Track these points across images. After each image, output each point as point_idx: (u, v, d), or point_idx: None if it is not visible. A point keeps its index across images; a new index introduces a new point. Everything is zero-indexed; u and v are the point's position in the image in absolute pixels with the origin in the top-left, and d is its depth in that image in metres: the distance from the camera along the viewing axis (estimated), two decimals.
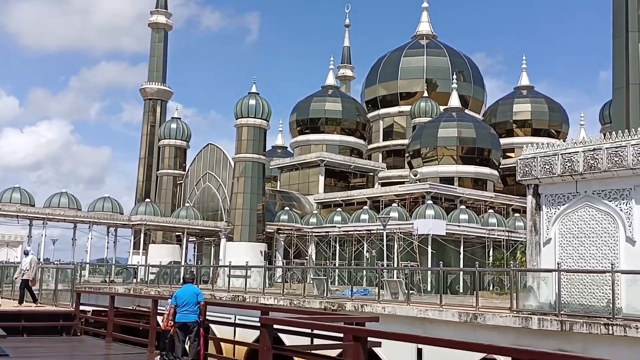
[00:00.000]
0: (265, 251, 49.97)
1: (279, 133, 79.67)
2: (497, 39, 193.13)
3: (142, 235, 50.77)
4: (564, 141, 20.47)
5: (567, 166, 18.77)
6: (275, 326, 9.57)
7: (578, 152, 18.49)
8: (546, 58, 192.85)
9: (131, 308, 24.33)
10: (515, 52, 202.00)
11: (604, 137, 18.78)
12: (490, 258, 47.83)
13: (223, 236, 51.25)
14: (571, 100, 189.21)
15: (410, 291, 25.55)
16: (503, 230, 48.51)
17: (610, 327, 15.99)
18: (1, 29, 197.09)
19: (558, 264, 18.44)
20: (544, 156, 19.34)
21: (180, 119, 63.07)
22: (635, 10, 30.13)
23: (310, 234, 53.51)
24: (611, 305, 16.42)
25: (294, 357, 13.48)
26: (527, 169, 19.87)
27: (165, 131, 61.68)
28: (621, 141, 17.75)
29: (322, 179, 60.85)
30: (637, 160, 17.30)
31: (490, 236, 48.37)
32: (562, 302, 17.62)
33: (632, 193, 17.62)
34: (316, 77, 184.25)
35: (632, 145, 17.40)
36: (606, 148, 17.88)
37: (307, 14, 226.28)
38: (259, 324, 9.00)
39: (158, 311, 14.36)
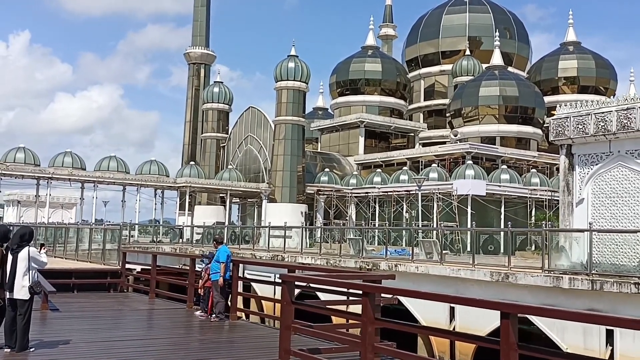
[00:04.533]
0: (305, 212, 50.84)
1: (320, 95, 79.76)
2: None
3: (187, 197, 52.26)
4: (612, 98, 20.19)
5: (600, 126, 18.63)
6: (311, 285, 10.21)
7: (611, 111, 18.31)
8: (600, 10, 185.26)
9: (178, 267, 25.48)
10: (569, 3, 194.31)
11: None
12: (533, 218, 47.49)
13: (264, 197, 52.29)
14: (622, 54, 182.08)
15: (444, 251, 25.92)
16: (546, 190, 47.96)
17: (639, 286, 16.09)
18: None
19: (590, 223, 18.49)
20: (577, 116, 19.22)
21: (222, 82, 63.84)
22: None
23: (350, 194, 54.04)
24: None
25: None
26: (560, 129, 19.79)
27: (208, 95, 62.63)
28: None
29: (362, 140, 61.00)
30: None
31: (532, 196, 47.93)
32: (594, 261, 17.73)
33: None
34: (358, 37, 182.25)
35: None
36: (639, 107, 17.66)
37: None
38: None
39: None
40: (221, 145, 61.77)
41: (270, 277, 20.18)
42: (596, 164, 19.10)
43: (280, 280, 9.16)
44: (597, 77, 64.58)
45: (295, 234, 35.27)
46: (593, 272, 17.42)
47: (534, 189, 48.02)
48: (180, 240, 42.10)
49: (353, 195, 54.10)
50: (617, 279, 16.69)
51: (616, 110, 18.24)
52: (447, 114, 61.01)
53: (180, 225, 46.79)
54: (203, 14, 73.30)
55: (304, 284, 11.17)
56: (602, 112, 18.59)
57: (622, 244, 17.71)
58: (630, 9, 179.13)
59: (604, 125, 18.58)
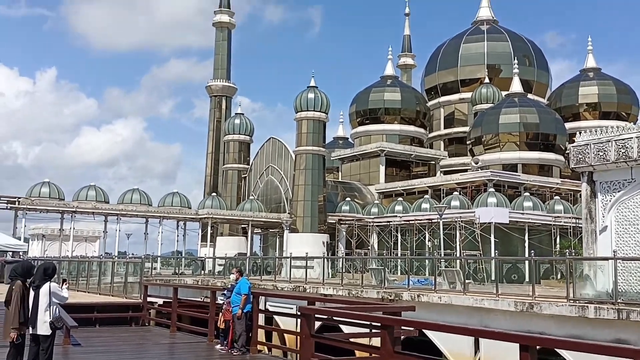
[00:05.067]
0: (327, 242, 50.76)
1: (340, 124, 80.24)
2: (570, 16, 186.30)
3: (209, 228, 52.56)
4: (634, 124, 20.05)
5: (621, 152, 18.47)
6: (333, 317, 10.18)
7: (632, 138, 18.17)
8: (620, 36, 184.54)
9: (200, 300, 25.52)
10: (590, 30, 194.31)
11: None
12: (557, 246, 46.79)
13: (286, 228, 52.37)
14: None
15: (468, 280, 25.63)
16: (570, 217, 47.32)
17: None
18: (72, 30, 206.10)
19: (614, 251, 18.21)
20: (598, 143, 19.09)
21: (243, 114, 64.62)
22: None
23: (372, 223, 53.87)
24: None
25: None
26: (580, 157, 19.65)
27: (229, 127, 63.38)
28: None
29: (382, 168, 61.03)
30: None
31: (556, 223, 47.30)
32: (619, 290, 17.42)
33: None
34: (377, 67, 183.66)
35: None
36: None
37: (367, 5, 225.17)
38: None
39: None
40: (242, 176, 62.23)
41: (292, 308, 20.12)
42: (618, 191, 18.89)
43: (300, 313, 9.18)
44: (619, 102, 64.11)
45: (317, 264, 35.19)
46: (619, 300, 17.10)
47: (558, 216, 47.42)
48: (203, 272, 42.22)
49: (374, 224, 53.92)
50: None
51: (637, 137, 18.09)
52: (468, 142, 60.85)
53: (202, 257, 46.98)
54: (224, 48, 74.61)
55: (325, 316, 11.17)
56: (623, 139, 18.44)
57: None
58: None
59: (624, 152, 18.42)
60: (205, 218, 52.26)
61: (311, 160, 51.57)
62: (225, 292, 14.20)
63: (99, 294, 22.41)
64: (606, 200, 19.24)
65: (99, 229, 55.20)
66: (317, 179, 51.61)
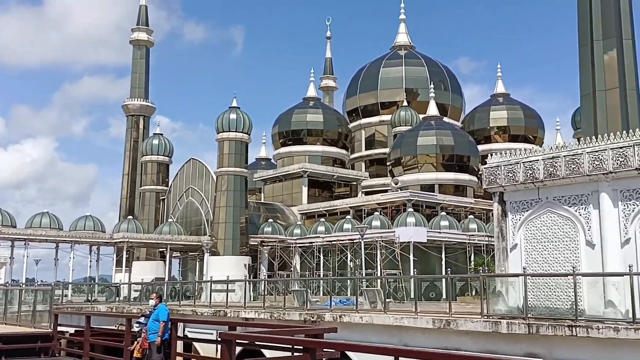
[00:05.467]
0: (249, 264, 50.28)
1: (262, 145, 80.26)
2: (482, 44, 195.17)
3: (124, 253, 50.90)
4: (541, 146, 21.13)
5: (528, 174, 19.45)
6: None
7: (538, 160, 19.17)
8: (528, 64, 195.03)
9: (114, 328, 24.60)
10: (500, 57, 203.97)
11: (578, 142, 19.47)
12: (472, 263, 48.44)
13: (207, 251, 51.50)
14: (553, 104, 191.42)
15: (388, 299, 26.07)
16: (483, 235, 49.14)
17: (574, 329, 16.59)
18: None
19: (524, 268, 19.05)
20: (507, 165, 20.01)
21: (162, 134, 63.37)
22: (599, 21, 30.99)
23: (295, 245, 53.91)
24: (574, 308, 17.02)
25: None
26: (492, 177, 20.53)
27: (147, 147, 61.94)
28: (577, 149, 18.46)
29: (305, 189, 61.35)
30: (593, 167, 18.00)
31: (471, 241, 49.01)
32: (529, 305, 18.20)
33: (590, 198, 18.31)
34: (299, 89, 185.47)
35: (587, 152, 18.11)
36: (564, 156, 18.58)
37: (290, 27, 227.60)
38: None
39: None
40: (161, 198, 60.83)
41: (212, 334, 19.74)
42: (527, 210, 19.84)
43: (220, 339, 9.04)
44: (526, 126, 67.67)
45: (238, 288, 34.79)
46: (529, 315, 17.85)
47: (472, 235, 49.15)
48: (117, 298, 40.77)
49: (297, 245, 53.98)
50: (551, 322, 17.16)
51: (542, 159, 19.11)
52: (388, 163, 62.28)
53: (117, 283, 45.36)
54: (142, 66, 73.14)
55: (245, 341, 11.03)
56: (530, 161, 19.44)
57: (555, 287, 18.29)
58: (555, 63, 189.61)
59: (532, 174, 19.41)
60: (120, 242, 50.58)
61: (233, 182, 51.13)
62: (141, 319, 13.78)
63: (5, 324, 21.19)
64: (516, 219, 20.15)
65: (5, 254, 52.24)
66: (239, 200, 51.19)
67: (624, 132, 18.58)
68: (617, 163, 17.60)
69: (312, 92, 71.62)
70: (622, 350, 15.78)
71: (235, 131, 51.59)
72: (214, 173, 53.09)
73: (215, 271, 45.63)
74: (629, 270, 16.28)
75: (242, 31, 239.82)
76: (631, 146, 17.39)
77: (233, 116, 51.91)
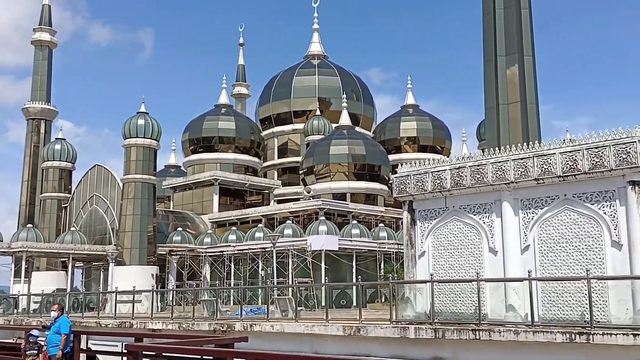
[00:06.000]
0: (157, 274, 48.87)
1: (172, 152, 78.52)
2: (393, 55, 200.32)
3: (23, 263, 48.12)
4: (448, 156, 21.81)
5: (436, 183, 20.07)
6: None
7: (446, 170, 19.83)
8: (437, 76, 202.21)
9: (12, 341, 23.15)
10: (410, 68, 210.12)
11: (483, 153, 20.27)
12: (382, 270, 49.40)
13: (112, 260, 49.61)
14: (459, 116, 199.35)
15: (300, 308, 26.08)
16: (393, 243, 50.26)
17: (477, 333, 17.20)
18: None
19: (431, 275, 19.60)
20: (416, 174, 20.56)
21: (64, 139, 60.60)
22: (503, 37, 32.58)
23: (205, 254, 52.97)
24: (478, 312, 17.66)
25: None
26: (402, 186, 21.02)
27: (48, 153, 59.04)
28: (482, 160, 19.24)
29: (216, 197, 60.48)
30: (497, 177, 18.82)
31: (381, 249, 49.98)
32: (436, 311, 18.74)
33: (493, 207, 19.12)
34: (211, 95, 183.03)
35: (491, 163, 18.92)
36: (469, 166, 19.31)
37: (202, 33, 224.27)
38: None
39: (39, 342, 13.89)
40: (63, 205, 58.06)
41: (117, 346, 18.96)
42: (435, 219, 20.46)
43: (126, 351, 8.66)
44: (434, 137, 70.06)
45: (145, 298, 33.67)
46: (436, 321, 18.37)
47: (382, 243, 50.15)
48: (16, 310, 38.45)
49: (207, 254, 53.06)
50: (457, 327, 17.73)
51: (450, 169, 19.79)
52: (300, 172, 62.56)
53: (15, 294, 42.79)
54: (44, 68, 69.76)
55: (153, 352, 10.63)
56: (438, 171, 20.07)
57: (460, 293, 18.92)
58: (461, 77, 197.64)
59: (439, 183, 20.04)
60: (19, 252, 47.77)
61: (140, 189, 49.58)
62: (34, 331, 13.01)
63: None
64: (424, 227, 20.72)
65: None
66: (146, 208, 49.68)
67: (525, 144, 19.57)
68: (518, 173, 18.48)
69: (224, 99, 70.88)
70: (522, 352, 16.51)
71: (144, 137, 50.12)
72: (120, 180, 51.32)
73: (121, 281, 44.00)
74: (528, 275, 17.08)
75: (152, 34, 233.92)
76: (531, 157, 18.31)
77: (141, 122, 50.43)
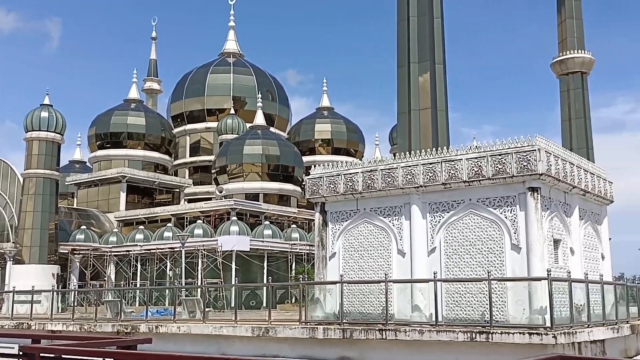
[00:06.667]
0: (58, 274, 46.63)
1: (77, 147, 75.28)
2: (310, 57, 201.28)
3: None
4: (361, 159, 22.08)
5: (348, 185, 20.34)
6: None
7: (358, 173, 20.14)
8: (351, 80, 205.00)
9: None
10: (326, 71, 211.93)
11: (394, 157, 20.68)
12: (293, 271, 49.49)
13: (9, 259, 46.87)
14: (372, 120, 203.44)
15: (208, 309, 25.72)
16: (305, 244, 50.48)
17: (384, 333, 17.56)
18: None
19: (341, 276, 19.83)
20: (329, 176, 20.76)
21: None
22: (416, 45, 33.48)
23: (110, 253, 51.12)
24: (385, 312, 18.03)
25: None
26: (314, 188, 21.15)
27: None
28: (393, 163, 19.69)
29: (123, 195, 58.52)
30: (406, 181, 19.31)
31: (293, 250, 50.07)
32: (345, 311, 18.97)
33: (402, 210, 19.60)
34: (121, 90, 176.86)
35: (401, 167, 19.39)
36: (381, 169, 19.71)
37: (112, 25, 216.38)
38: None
39: None
40: None
41: (14, 348, 17.90)
42: (346, 220, 20.72)
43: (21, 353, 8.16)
44: (348, 140, 71.06)
45: (45, 299, 32.08)
46: (344, 321, 18.60)
47: (294, 244, 50.26)
48: None
49: (113, 254, 51.23)
50: (364, 327, 18.02)
51: (362, 172, 20.11)
52: (213, 171, 61.66)
53: None
54: None
55: (51, 354, 10.08)
56: (350, 173, 20.35)
57: (369, 293, 19.26)
58: (376, 81, 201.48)
59: (351, 185, 20.32)
60: None
61: (42, 185, 47.14)
62: None
63: None
64: (336, 228, 20.94)
65: None
66: (48, 205, 47.27)
67: (434, 149, 20.19)
68: (427, 178, 19.04)
69: (134, 93, 68.73)
70: (426, 351, 17.01)
71: (47, 130, 47.69)
72: (21, 175, 48.59)
73: (19, 281, 41.68)
74: (434, 277, 17.63)
75: (59, 24, 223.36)
76: (439, 162, 18.92)
77: (44, 114, 47.94)
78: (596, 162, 30.74)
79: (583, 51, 36.00)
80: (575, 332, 15.81)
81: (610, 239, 23.43)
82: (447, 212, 18.87)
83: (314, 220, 55.44)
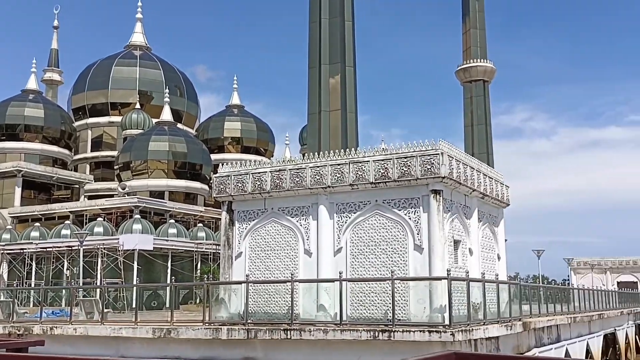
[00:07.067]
0: None
1: None
2: (221, 54, 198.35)
3: None
4: (270, 159, 21.95)
5: (257, 185, 20.16)
6: None
7: (266, 172, 20.01)
8: (263, 79, 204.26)
9: None
10: (237, 68, 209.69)
11: (303, 157, 20.65)
12: (198, 271, 48.63)
13: None
14: (283, 119, 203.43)
15: (107, 310, 24.72)
16: (211, 244, 49.74)
17: (288, 332, 17.50)
18: None
19: (247, 275, 19.61)
20: (237, 175, 20.49)
21: None
22: (327, 46, 33.70)
23: (2, 251, 48.18)
24: (290, 312, 17.99)
25: None
26: (222, 187, 20.81)
27: None
28: (301, 164, 19.72)
29: (18, 190, 55.42)
30: (315, 181, 19.38)
31: (198, 250, 49.20)
32: (250, 311, 18.75)
33: (310, 210, 19.66)
34: (18, 80, 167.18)
35: (310, 167, 19.45)
36: (289, 169, 19.68)
37: (11, 10, 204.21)
38: None
39: None
40: None
41: None
42: (253, 220, 20.52)
43: None
44: (258, 139, 70.74)
45: None
46: (249, 321, 18.40)
47: (200, 243, 49.43)
48: None
49: (5, 252, 48.30)
50: (269, 327, 17.91)
51: (270, 171, 19.99)
52: (116, 167, 59.53)
53: None
54: None
55: None
56: (259, 172, 20.17)
57: (275, 293, 19.16)
58: (287, 81, 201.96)
59: (260, 185, 20.15)
60: None
61: None
62: None
63: None
64: (242, 228, 20.69)
65: None
66: None
67: (343, 150, 20.39)
68: (335, 178, 19.20)
69: (32, 84, 65.28)
70: (330, 350, 17.11)
71: None
72: None
73: None
74: (340, 276, 17.79)
75: None
76: (347, 164, 19.13)
77: None
78: (495, 167, 32.25)
79: (485, 60, 37.65)
80: (472, 329, 16.43)
81: (506, 240, 24.62)
82: (354, 213, 19.11)
83: (221, 219, 54.88)
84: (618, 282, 65.98)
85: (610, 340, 36.85)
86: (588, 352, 29.35)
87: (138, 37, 71.46)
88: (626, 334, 41.20)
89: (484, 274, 19.15)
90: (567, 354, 24.98)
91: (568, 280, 68.64)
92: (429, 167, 18.06)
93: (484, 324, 17.35)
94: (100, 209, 50.90)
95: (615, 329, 37.85)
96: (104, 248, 43.76)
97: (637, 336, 45.56)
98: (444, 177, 18.07)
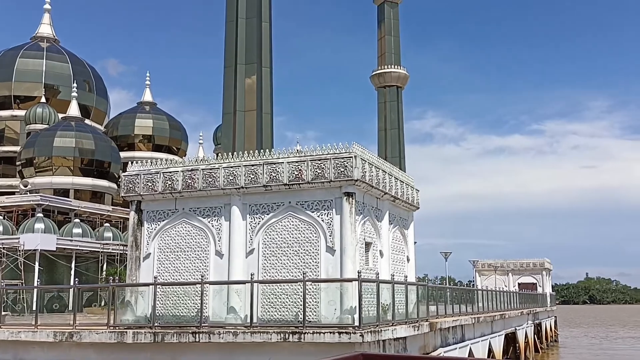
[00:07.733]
0: None
1: None
2: (133, 49, 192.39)
3: None
4: (183, 158, 21.39)
5: (167, 184, 19.65)
6: None
7: (178, 171, 19.54)
8: (177, 76, 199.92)
9: None
10: (151, 64, 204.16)
11: (217, 157, 20.28)
12: (104, 273, 46.87)
13: None
14: (197, 118, 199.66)
15: (5, 312, 23.38)
16: (118, 244, 48.06)
17: (197, 335, 17.18)
18: None
19: (155, 277, 19.07)
20: (147, 174, 19.90)
21: None
22: (243, 46, 33.38)
23: None
24: (200, 315, 17.65)
25: None
26: (130, 186, 20.15)
27: None
28: (215, 164, 19.41)
29: None
30: (228, 182, 19.13)
31: (105, 250, 47.42)
32: (157, 314, 18.25)
33: (223, 211, 19.38)
34: None
35: (223, 167, 19.18)
36: (202, 169, 19.32)
37: None
38: None
39: None
40: None
41: None
42: (163, 220, 19.99)
43: None
44: (171, 137, 68.92)
45: None
46: (156, 324, 17.89)
47: (107, 244, 47.67)
48: None
49: None
50: (177, 330, 17.49)
51: (182, 171, 19.54)
52: (18, 163, 56.42)
53: None
54: None
55: None
56: (170, 172, 19.67)
57: (184, 296, 18.73)
58: (202, 80, 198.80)
59: (171, 184, 19.65)
60: None
61: None
62: None
63: None
64: (152, 228, 20.10)
65: None
66: None
67: (257, 151, 20.24)
68: (249, 179, 19.02)
69: None
70: (239, 353, 16.92)
71: None
72: None
73: None
74: (251, 278, 17.63)
75: None
76: (261, 165, 19.00)
77: None
78: (407, 171, 33.07)
79: (399, 67, 38.59)
80: (381, 330, 16.72)
81: (415, 242, 25.27)
82: (267, 214, 19.00)
83: (129, 219, 53.17)
84: (519, 284, 69.20)
85: (510, 339, 38.69)
86: (490, 351, 30.67)
87: (45, 29, 68.00)
88: (525, 333, 43.41)
89: (393, 275, 19.56)
90: (470, 353, 25.98)
91: (473, 281, 71.35)
92: (342, 169, 18.24)
93: (392, 325, 17.71)
94: (0, 206, 48.08)
95: (515, 329, 39.78)
96: (4, 248, 41.36)
97: (535, 335, 48.13)
98: (356, 180, 18.30)
